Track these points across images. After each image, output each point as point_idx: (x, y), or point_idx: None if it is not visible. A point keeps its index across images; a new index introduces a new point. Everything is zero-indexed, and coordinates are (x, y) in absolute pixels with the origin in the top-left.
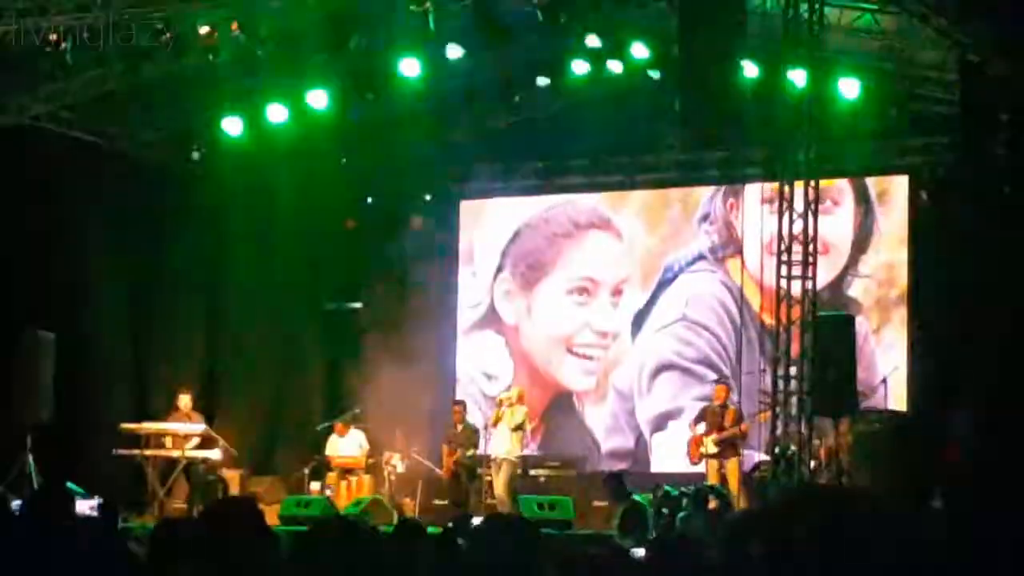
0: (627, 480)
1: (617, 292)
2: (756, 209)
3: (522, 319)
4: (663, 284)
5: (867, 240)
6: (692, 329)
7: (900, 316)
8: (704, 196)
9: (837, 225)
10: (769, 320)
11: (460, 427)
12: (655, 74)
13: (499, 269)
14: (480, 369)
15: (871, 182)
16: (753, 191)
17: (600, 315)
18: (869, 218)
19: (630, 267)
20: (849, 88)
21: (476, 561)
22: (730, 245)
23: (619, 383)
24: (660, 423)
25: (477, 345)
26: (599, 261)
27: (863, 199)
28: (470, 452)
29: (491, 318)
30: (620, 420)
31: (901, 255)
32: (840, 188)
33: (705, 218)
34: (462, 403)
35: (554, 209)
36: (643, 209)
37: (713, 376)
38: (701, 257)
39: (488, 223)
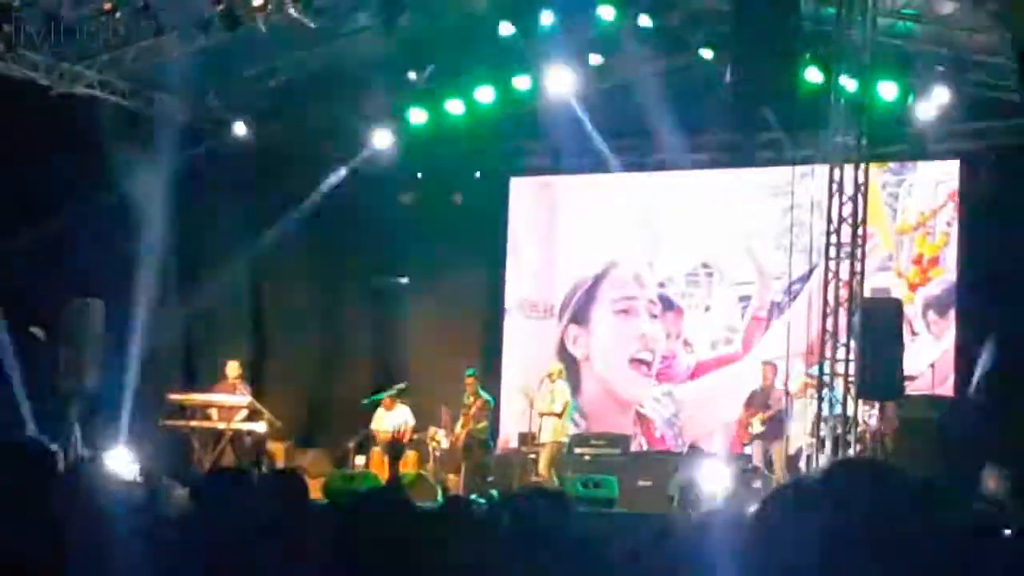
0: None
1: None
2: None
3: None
4: None
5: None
6: None
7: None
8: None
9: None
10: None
11: (473, 398)
12: (707, 53)
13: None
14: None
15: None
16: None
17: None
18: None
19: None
20: (900, 70)
21: (514, 531)
22: None
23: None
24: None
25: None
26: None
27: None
28: (483, 424)
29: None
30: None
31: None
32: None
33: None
34: (474, 375)
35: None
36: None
37: None
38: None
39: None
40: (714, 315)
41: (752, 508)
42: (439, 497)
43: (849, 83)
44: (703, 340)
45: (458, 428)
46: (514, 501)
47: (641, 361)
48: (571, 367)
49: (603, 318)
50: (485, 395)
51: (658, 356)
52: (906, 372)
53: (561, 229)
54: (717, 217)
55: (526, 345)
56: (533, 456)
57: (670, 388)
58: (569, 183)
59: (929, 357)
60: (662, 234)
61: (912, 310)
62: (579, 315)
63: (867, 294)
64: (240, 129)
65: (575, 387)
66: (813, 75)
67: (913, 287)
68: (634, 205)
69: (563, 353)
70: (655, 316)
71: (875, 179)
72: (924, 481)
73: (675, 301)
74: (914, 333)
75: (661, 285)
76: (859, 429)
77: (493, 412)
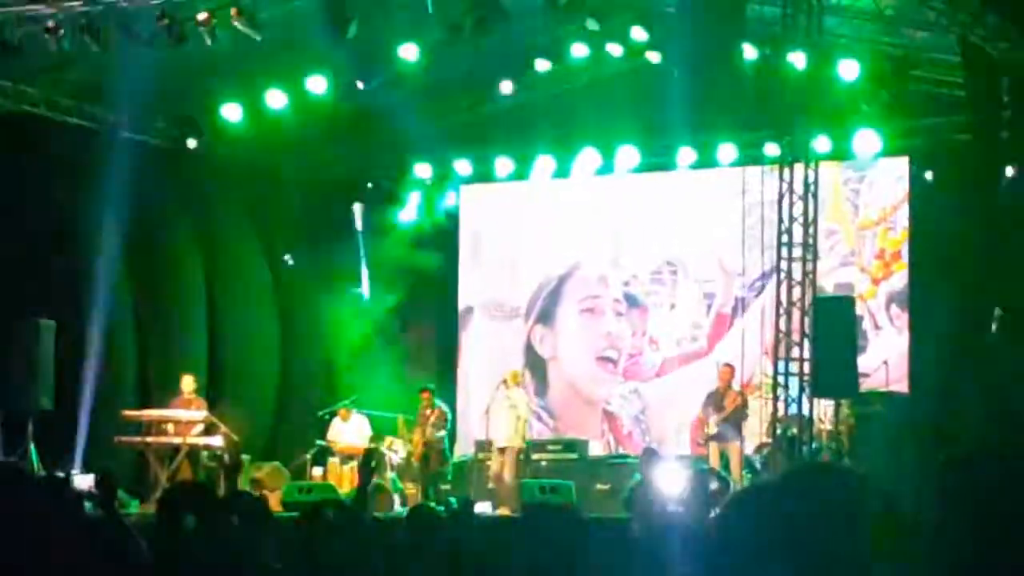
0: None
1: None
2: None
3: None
4: None
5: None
6: None
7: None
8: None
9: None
10: None
11: (429, 411)
12: (654, 55)
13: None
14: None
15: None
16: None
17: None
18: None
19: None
20: (848, 70)
21: (526, 547)
22: None
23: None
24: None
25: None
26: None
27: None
28: (440, 434)
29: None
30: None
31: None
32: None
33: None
34: (429, 389)
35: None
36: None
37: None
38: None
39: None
40: (679, 313)
41: (709, 512)
42: (397, 507)
43: (797, 83)
44: (669, 338)
45: (415, 438)
46: (532, 517)
47: (607, 359)
48: (538, 366)
49: (569, 317)
50: (442, 406)
51: (624, 354)
52: (862, 368)
53: (525, 232)
54: (680, 216)
55: (492, 346)
56: (491, 463)
57: (637, 385)
58: (532, 188)
59: (892, 350)
60: (626, 234)
61: (875, 304)
62: (545, 315)
63: (830, 290)
64: (191, 143)
65: (543, 386)
66: (760, 76)
67: (876, 281)
68: (597, 208)
69: (530, 352)
70: (620, 314)
71: (836, 176)
72: (880, 481)
73: (640, 299)
74: (878, 327)
75: (626, 284)
76: (815, 428)
77: (452, 423)
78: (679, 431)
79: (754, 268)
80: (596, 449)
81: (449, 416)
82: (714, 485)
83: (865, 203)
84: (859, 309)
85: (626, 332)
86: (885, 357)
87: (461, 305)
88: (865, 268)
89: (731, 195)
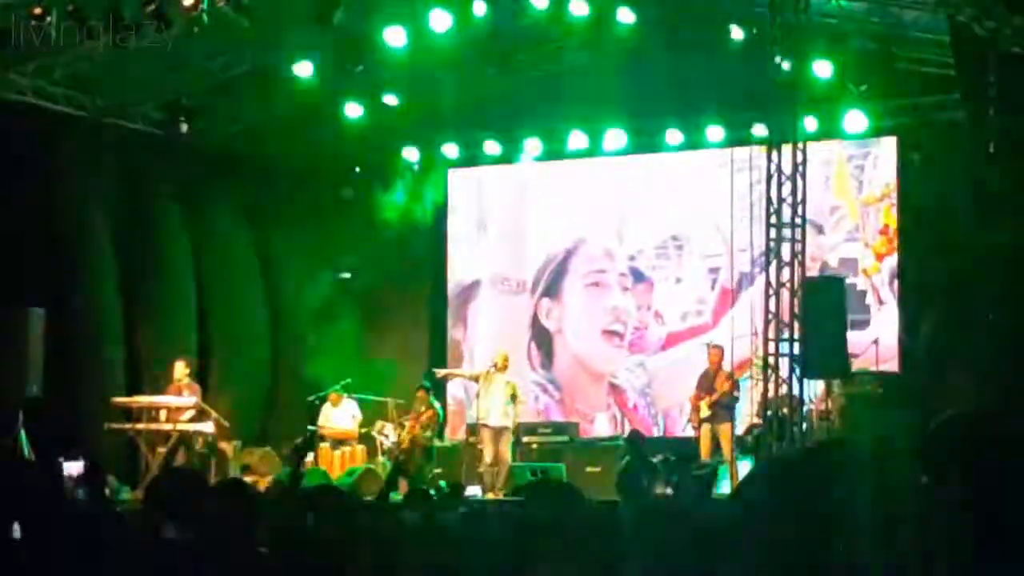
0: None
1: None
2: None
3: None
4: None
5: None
6: None
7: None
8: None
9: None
10: None
11: (424, 408)
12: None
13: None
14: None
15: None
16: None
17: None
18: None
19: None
20: (835, 49)
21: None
22: None
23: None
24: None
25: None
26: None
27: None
28: (428, 434)
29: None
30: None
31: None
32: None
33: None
34: (426, 388)
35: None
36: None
37: None
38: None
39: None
40: (684, 287)
41: (698, 496)
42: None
43: (784, 63)
44: (674, 311)
45: (404, 433)
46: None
47: (613, 332)
48: (544, 339)
49: (575, 291)
50: (436, 406)
51: (630, 327)
52: (854, 347)
53: (531, 208)
54: (684, 193)
55: (499, 319)
56: (482, 446)
57: (642, 359)
58: (530, 168)
59: (893, 325)
60: (631, 209)
61: (879, 279)
62: (551, 288)
63: (835, 264)
64: (181, 128)
65: (549, 359)
66: (746, 55)
67: (880, 257)
68: (600, 185)
69: (536, 326)
70: (626, 288)
71: (840, 152)
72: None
73: (645, 273)
74: (881, 302)
75: (631, 258)
76: (805, 408)
77: (441, 425)
78: (684, 404)
79: (757, 245)
80: (602, 422)
81: (441, 418)
82: (700, 471)
83: (868, 179)
84: (863, 284)
85: (631, 306)
86: (884, 333)
87: (469, 279)
88: (869, 243)
89: (729, 173)
